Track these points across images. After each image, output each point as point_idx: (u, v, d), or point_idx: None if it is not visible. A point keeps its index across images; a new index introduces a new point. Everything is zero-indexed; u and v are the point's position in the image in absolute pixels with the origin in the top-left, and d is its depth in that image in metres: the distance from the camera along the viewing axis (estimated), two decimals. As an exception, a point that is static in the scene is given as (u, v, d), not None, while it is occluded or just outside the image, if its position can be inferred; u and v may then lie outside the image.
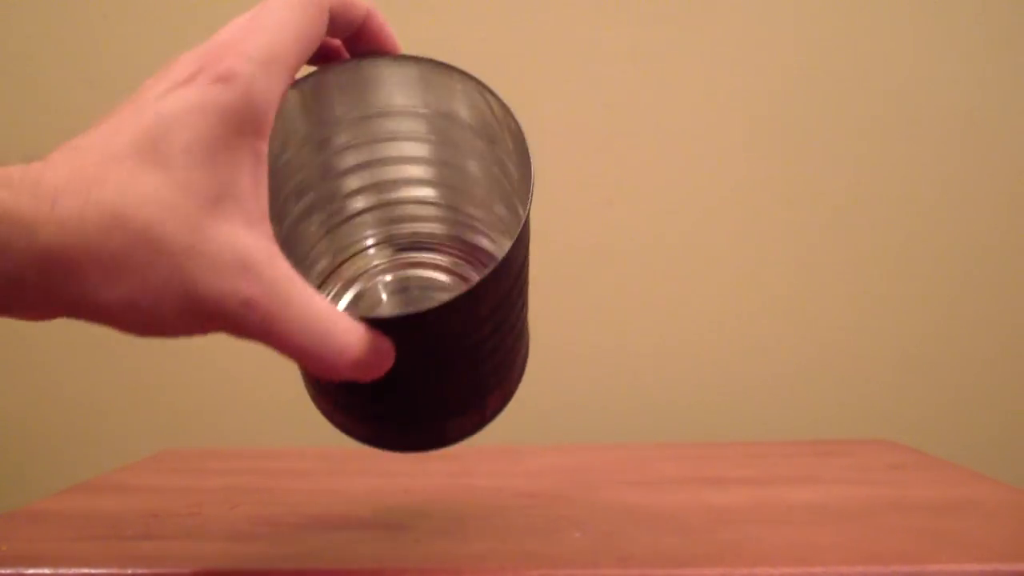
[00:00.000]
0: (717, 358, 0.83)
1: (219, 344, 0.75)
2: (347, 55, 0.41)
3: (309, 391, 0.45)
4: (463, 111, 0.44)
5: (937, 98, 0.83)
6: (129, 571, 0.40)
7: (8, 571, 0.40)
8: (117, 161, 0.30)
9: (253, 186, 0.32)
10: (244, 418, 0.83)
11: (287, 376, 0.53)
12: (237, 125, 0.31)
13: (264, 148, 0.32)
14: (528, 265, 0.42)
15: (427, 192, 0.50)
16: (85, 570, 0.40)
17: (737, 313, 0.83)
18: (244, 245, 0.31)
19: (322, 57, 0.41)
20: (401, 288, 0.53)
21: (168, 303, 0.30)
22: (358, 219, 0.51)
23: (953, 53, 0.83)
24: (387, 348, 0.35)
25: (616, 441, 0.82)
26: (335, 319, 0.33)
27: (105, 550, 0.43)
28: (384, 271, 0.53)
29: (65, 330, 0.84)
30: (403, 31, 0.80)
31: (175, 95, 0.31)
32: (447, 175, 0.49)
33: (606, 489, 0.56)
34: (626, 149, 0.83)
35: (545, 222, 0.47)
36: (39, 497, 0.58)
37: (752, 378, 0.83)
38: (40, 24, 0.84)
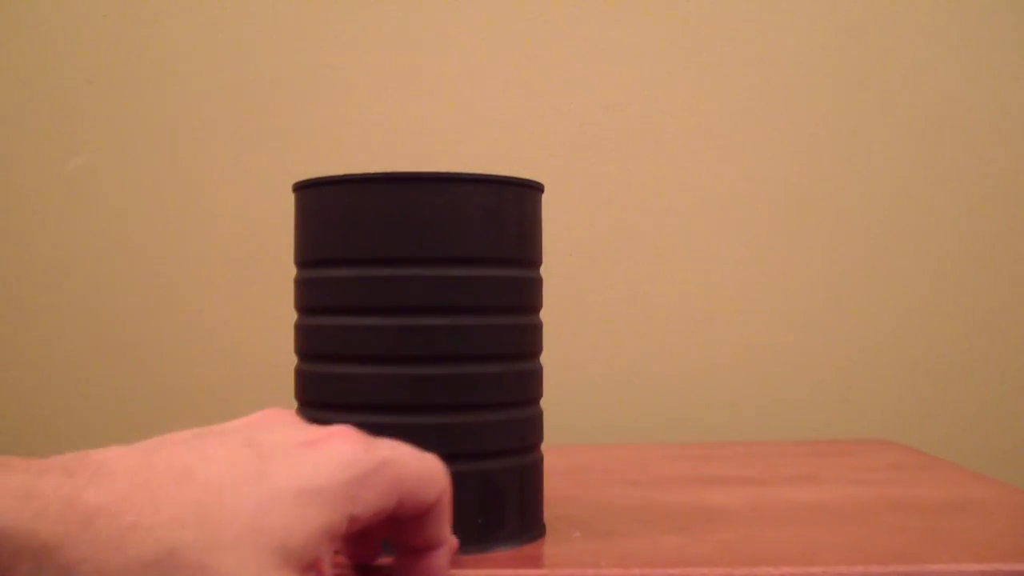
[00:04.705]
0: (717, 358, 0.83)
1: (218, 343, 0.75)
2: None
3: None
4: None
5: (943, 99, 0.83)
6: (129, 571, 0.40)
7: (8, 571, 0.40)
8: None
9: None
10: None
11: (286, 376, 0.53)
12: None
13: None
14: None
15: None
16: (85, 570, 0.40)
17: (737, 313, 0.83)
18: None
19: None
20: None
21: None
22: None
23: (968, 54, 0.83)
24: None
25: (616, 441, 0.82)
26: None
27: (105, 550, 0.43)
28: None
29: (64, 330, 0.84)
30: (404, 32, 0.80)
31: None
32: None
33: (606, 489, 0.56)
34: (625, 150, 0.83)
35: (546, 223, 0.47)
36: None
37: (752, 378, 0.83)
38: (40, 24, 0.84)
